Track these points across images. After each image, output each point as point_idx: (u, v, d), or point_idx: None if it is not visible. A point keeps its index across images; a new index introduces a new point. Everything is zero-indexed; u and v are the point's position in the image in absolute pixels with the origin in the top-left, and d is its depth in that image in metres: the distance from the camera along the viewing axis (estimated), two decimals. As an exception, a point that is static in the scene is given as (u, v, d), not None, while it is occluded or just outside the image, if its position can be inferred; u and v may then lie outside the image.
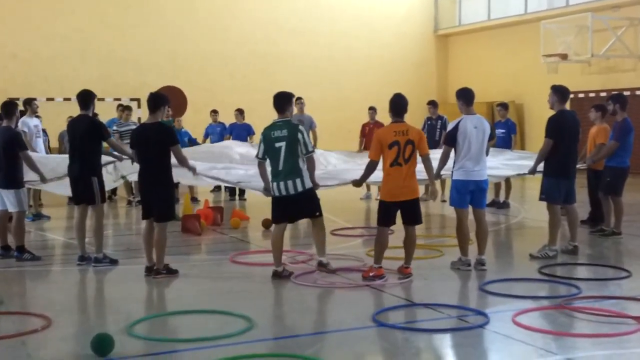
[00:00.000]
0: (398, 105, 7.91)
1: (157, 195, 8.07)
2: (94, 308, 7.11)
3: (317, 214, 7.99)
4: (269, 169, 7.98)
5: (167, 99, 8.30)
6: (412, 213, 7.86)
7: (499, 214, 12.96)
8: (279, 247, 7.98)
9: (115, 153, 9.29)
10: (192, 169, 8.58)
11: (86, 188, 8.64)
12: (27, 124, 12.05)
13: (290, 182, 7.75)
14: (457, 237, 8.40)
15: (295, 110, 14.48)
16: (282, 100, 7.97)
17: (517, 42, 24.18)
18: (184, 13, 23.60)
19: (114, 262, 8.79)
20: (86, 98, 8.79)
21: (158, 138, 7.99)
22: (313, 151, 7.92)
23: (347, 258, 8.92)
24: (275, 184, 7.84)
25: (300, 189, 7.78)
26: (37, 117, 12.97)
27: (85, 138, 8.61)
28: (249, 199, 15.19)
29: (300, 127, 7.89)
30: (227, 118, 16.41)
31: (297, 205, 7.87)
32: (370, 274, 7.81)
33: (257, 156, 8.01)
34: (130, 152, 9.02)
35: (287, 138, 7.73)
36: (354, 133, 16.10)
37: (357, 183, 8.30)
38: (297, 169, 7.77)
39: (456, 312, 6.65)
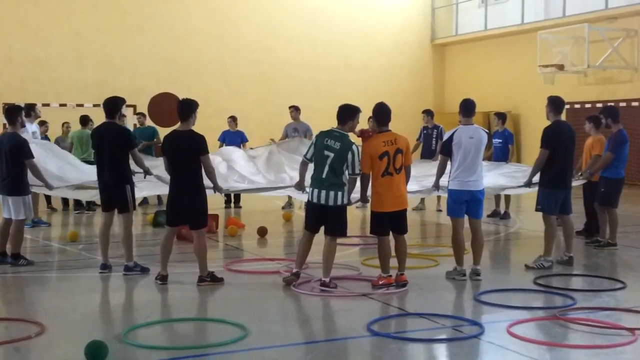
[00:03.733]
0: (382, 114, 7.91)
1: (190, 203, 7.94)
2: (88, 315, 7.07)
3: (339, 235, 7.89)
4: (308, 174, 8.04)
5: (196, 104, 8.11)
6: (402, 222, 7.94)
7: (495, 224, 12.96)
8: (303, 252, 7.95)
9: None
10: (219, 188, 8.43)
11: (120, 196, 8.50)
12: (27, 129, 12.06)
13: (324, 193, 7.63)
14: (453, 246, 8.39)
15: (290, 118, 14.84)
16: (346, 113, 7.85)
17: (514, 52, 24.23)
18: (181, 19, 23.59)
19: (145, 270, 8.59)
20: (112, 106, 8.63)
21: (190, 146, 7.89)
22: (359, 174, 7.73)
23: (344, 267, 8.91)
24: (316, 190, 7.69)
25: (337, 202, 7.66)
26: (44, 122, 13.08)
27: (114, 146, 8.47)
28: (244, 207, 15.17)
29: (354, 147, 7.65)
30: (222, 125, 16.36)
31: (327, 217, 7.74)
32: (380, 283, 7.84)
33: (305, 156, 7.93)
34: (145, 165, 8.96)
35: (337, 151, 7.61)
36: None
37: (362, 200, 8.06)
38: (340, 183, 7.66)
39: (451, 322, 6.65)
